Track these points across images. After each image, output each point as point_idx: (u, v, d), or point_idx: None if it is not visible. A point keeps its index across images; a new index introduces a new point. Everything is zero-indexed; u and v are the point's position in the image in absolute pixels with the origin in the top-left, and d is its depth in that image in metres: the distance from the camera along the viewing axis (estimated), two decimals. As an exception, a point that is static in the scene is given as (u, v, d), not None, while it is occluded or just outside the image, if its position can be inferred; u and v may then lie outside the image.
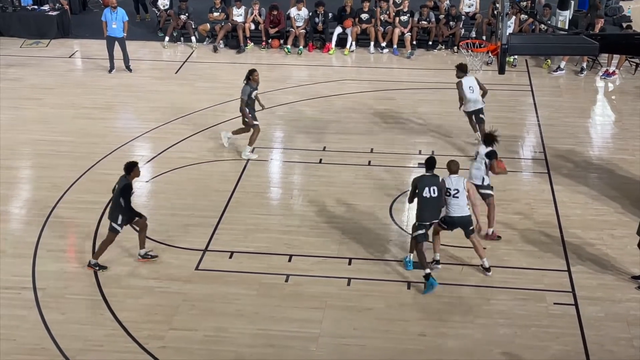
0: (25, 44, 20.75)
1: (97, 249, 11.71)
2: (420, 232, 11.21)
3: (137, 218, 11.61)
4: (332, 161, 14.85)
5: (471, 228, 11.34)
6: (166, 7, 21.20)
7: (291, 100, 17.51)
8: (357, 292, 11.11)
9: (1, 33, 21.15)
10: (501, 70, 12.74)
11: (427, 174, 11.19)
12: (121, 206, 11.31)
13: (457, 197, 11.15)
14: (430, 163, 11.24)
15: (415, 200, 11.18)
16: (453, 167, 11.31)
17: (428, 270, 11.10)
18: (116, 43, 18.66)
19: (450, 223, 11.36)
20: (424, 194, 11.05)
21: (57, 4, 21.38)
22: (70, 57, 20.21)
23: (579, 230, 12.62)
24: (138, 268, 11.69)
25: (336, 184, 14.09)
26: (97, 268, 11.57)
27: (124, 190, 11.30)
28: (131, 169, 11.42)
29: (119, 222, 11.38)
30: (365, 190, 13.82)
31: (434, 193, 11.03)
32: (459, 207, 11.20)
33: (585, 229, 12.65)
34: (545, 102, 17.48)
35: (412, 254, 11.66)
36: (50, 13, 21.19)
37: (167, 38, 20.68)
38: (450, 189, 11.14)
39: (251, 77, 14.55)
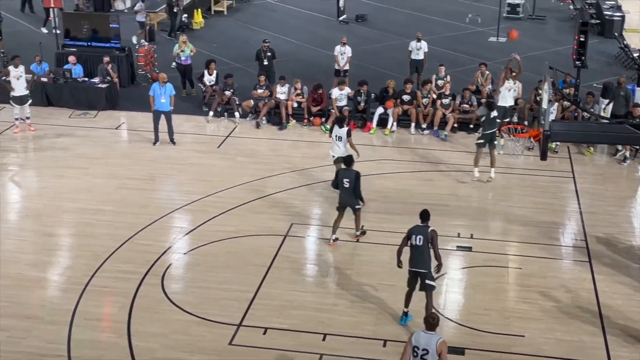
0: (74, 115, 21.30)
1: None
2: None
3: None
4: (370, 240, 14.83)
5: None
6: (212, 83, 21.66)
7: (330, 177, 17.59)
8: (391, 375, 10.96)
9: (52, 103, 21.75)
10: (543, 156, 12.75)
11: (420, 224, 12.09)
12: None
13: None
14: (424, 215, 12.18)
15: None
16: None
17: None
18: (162, 116, 19.09)
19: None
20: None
21: (107, 77, 21.99)
22: (116, 128, 20.68)
23: (621, 320, 12.35)
24: (171, 341, 11.67)
25: (373, 263, 14.04)
26: None
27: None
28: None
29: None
30: (402, 271, 13.70)
31: (419, 242, 11.92)
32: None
33: (627, 320, 12.38)
34: (587, 189, 17.36)
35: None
36: (99, 85, 21.78)
37: (211, 113, 21.09)
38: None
39: None
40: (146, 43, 24.57)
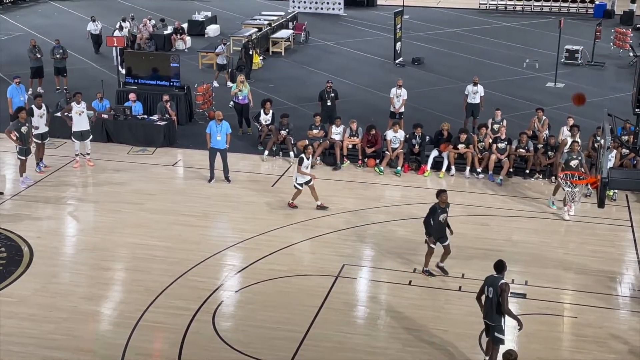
0: (133, 151, 21.73)
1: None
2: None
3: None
4: (422, 284, 14.72)
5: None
6: (268, 122, 21.91)
7: (383, 219, 17.59)
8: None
9: (111, 139, 22.23)
10: (601, 204, 12.57)
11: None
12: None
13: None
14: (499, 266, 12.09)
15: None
16: None
17: None
18: (218, 154, 19.35)
19: None
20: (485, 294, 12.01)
21: (166, 115, 22.39)
22: (173, 165, 21.00)
23: (680, 375, 12.00)
24: (221, 378, 11.70)
25: (425, 307, 13.91)
26: None
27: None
28: None
29: None
30: (455, 317, 13.58)
31: (490, 294, 11.81)
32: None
33: (686, 375, 12.02)
34: (646, 238, 17.00)
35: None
36: (158, 123, 22.19)
37: (266, 152, 21.29)
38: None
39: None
40: (231, 84, 24.89)
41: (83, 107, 20.26)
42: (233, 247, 16.09)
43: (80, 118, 20.14)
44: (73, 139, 20.27)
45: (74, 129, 20.13)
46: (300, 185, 17.90)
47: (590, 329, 13.28)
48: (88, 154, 20.37)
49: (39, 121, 19.88)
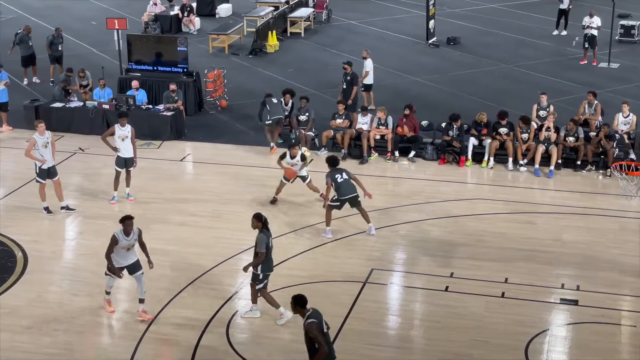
0: (137, 145, 21.72)
1: None
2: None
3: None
4: (460, 290, 14.61)
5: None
6: (286, 113, 21.90)
7: (416, 218, 17.48)
8: None
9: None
10: (661, 198, 12.38)
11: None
12: None
13: None
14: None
15: None
16: None
17: None
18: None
19: None
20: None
21: (173, 105, 22.36)
22: (181, 160, 21.02)
23: None
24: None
25: (464, 315, 13.81)
26: None
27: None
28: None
29: None
30: (498, 326, 13.46)
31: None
32: None
33: None
34: None
35: None
36: (164, 113, 22.20)
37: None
38: None
39: None
40: None
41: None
42: (248, 250, 16.01)
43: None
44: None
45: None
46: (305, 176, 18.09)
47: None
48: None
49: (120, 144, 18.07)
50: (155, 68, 24.13)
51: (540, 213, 17.84)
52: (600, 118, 21.03)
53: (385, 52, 30.08)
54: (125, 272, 13.59)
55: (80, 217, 17.73)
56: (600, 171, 19.92)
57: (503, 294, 14.48)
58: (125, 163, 18.21)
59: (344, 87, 22.95)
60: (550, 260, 15.68)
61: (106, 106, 22.30)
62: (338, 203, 16.44)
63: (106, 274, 13.71)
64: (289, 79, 26.34)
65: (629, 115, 20.48)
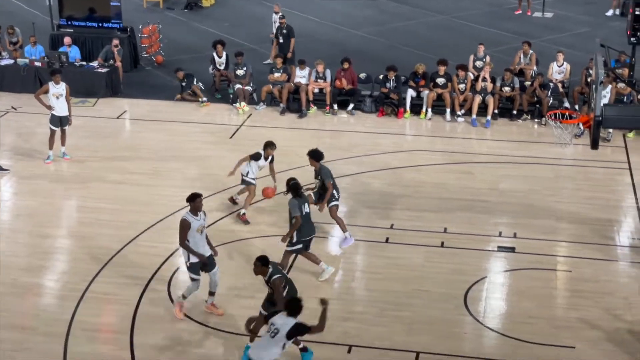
0: (72, 102, 21.31)
1: None
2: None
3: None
4: (401, 241, 14.76)
5: None
6: (222, 66, 21.73)
7: (355, 171, 17.56)
8: (425, 392, 10.91)
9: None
10: (594, 145, 12.60)
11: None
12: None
13: None
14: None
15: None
16: None
17: None
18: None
19: None
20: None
21: (111, 61, 21.99)
22: (118, 117, 20.74)
23: (684, 330, 12.20)
24: (179, 354, 11.68)
25: (404, 266, 13.96)
26: None
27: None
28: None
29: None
30: (437, 275, 13.65)
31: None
32: None
33: (691, 329, 12.23)
34: (646, 181, 17.18)
35: None
36: (99, 70, 21.85)
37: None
38: None
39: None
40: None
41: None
42: (188, 207, 15.93)
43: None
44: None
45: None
46: (253, 180, 15.69)
47: (587, 284, 13.43)
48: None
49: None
50: (87, 24, 23.66)
51: (478, 163, 18.05)
52: (535, 67, 21.28)
53: (323, 6, 29.92)
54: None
55: (15, 177, 17.42)
56: (536, 120, 20.22)
57: (442, 243, 14.66)
58: (60, 121, 17.94)
59: (281, 40, 22.80)
60: (488, 209, 15.91)
61: (38, 64, 21.85)
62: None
63: (191, 276, 12.39)
64: (226, 34, 26.05)
65: (563, 64, 20.74)
